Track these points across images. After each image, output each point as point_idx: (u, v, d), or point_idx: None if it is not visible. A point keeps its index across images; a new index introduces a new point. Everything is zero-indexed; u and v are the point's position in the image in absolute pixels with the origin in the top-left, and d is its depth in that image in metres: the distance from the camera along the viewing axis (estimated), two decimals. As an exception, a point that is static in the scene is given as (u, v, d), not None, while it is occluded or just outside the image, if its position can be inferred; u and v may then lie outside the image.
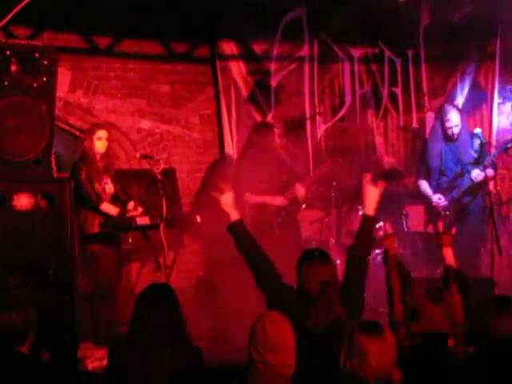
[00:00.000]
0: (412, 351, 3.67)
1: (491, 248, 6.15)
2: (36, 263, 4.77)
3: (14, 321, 3.37)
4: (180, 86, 7.56)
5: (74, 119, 7.17)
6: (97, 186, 6.07)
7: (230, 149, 7.57)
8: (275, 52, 7.70)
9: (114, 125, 7.21)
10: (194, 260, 7.47)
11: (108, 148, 6.29)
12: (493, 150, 7.17)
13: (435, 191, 6.93)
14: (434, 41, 8.08)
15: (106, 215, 6.03)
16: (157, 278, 6.27)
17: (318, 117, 7.87)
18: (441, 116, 7.00)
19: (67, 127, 7.16)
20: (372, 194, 4.16)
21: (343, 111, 8.02)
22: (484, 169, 6.61)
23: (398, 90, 8.16)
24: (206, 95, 7.64)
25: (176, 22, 7.27)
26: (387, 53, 8.07)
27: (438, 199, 6.86)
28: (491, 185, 6.95)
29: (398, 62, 8.13)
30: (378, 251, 6.30)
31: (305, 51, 7.84)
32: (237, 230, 4.07)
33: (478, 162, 6.73)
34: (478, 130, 6.89)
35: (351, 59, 7.98)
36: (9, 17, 5.63)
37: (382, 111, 8.11)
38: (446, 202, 6.83)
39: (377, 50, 8.05)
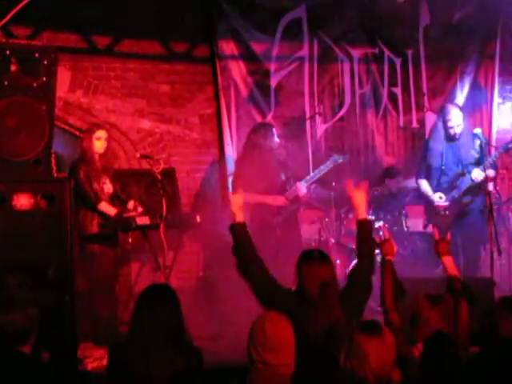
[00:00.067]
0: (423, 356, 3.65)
1: (491, 248, 6.13)
2: (36, 263, 4.76)
3: (16, 321, 3.37)
4: (180, 86, 7.56)
5: (74, 119, 7.17)
6: (95, 185, 6.07)
7: (230, 149, 7.57)
8: (275, 52, 7.70)
9: (113, 125, 7.22)
10: (194, 260, 7.47)
11: (107, 148, 6.30)
12: (493, 151, 7.16)
13: (435, 191, 6.92)
14: (433, 41, 8.08)
15: (104, 215, 6.03)
16: (156, 278, 6.28)
17: (317, 117, 7.87)
18: (443, 115, 6.95)
19: (67, 127, 7.16)
20: (358, 198, 4.21)
21: (343, 111, 8.02)
22: (484, 169, 6.60)
23: (398, 90, 8.16)
24: (205, 95, 7.65)
25: (176, 21, 7.28)
26: (387, 53, 8.07)
27: (439, 198, 6.85)
28: (491, 185, 6.95)
29: (398, 62, 8.13)
30: (377, 251, 6.30)
31: (304, 51, 7.84)
32: (239, 231, 4.06)
33: (478, 163, 6.71)
34: (477, 130, 6.87)
35: (351, 59, 7.97)
36: (9, 17, 5.63)
37: (381, 111, 8.11)
38: (448, 203, 6.82)
39: (376, 50, 8.04)
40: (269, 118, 7.67)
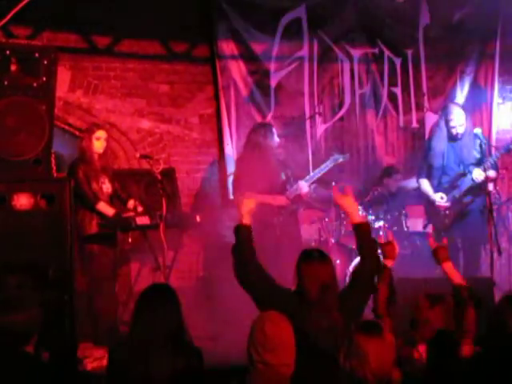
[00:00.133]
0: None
1: (491, 248, 6.13)
2: (36, 263, 4.76)
3: (20, 321, 3.37)
4: (180, 86, 7.56)
5: (74, 119, 7.18)
6: (94, 185, 6.07)
7: (230, 149, 7.57)
8: (275, 52, 7.70)
9: (113, 125, 7.22)
10: (194, 260, 7.47)
11: (106, 148, 6.30)
12: (494, 151, 7.15)
13: (436, 190, 6.91)
14: (433, 40, 8.08)
15: (102, 215, 6.03)
16: (156, 278, 6.29)
17: (317, 117, 7.87)
18: (445, 115, 6.91)
19: (67, 127, 7.17)
20: (347, 203, 4.18)
21: (343, 111, 8.01)
22: (485, 169, 6.59)
23: (398, 90, 8.15)
24: (205, 95, 7.65)
25: (176, 21, 7.28)
26: (387, 52, 8.07)
27: (441, 198, 6.84)
28: (491, 185, 6.94)
29: (398, 62, 8.12)
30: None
31: (304, 51, 7.84)
32: (243, 233, 4.06)
33: (480, 163, 6.70)
34: (477, 130, 6.87)
35: (351, 59, 7.97)
36: (9, 16, 5.63)
37: (381, 111, 8.11)
38: (449, 203, 6.80)
39: (376, 50, 8.04)
40: (269, 117, 7.68)
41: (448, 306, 4.00)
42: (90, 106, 7.21)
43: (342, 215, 7.26)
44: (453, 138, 6.85)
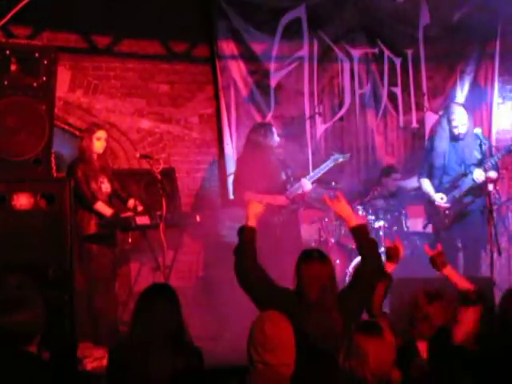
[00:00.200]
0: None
1: (491, 248, 6.13)
2: (36, 263, 4.76)
3: (24, 321, 3.36)
4: (179, 86, 7.56)
5: (74, 119, 7.18)
6: (93, 185, 6.07)
7: (230, 148, 7.57)
8: (275, 52, 7.70)
9: (113, 124, 7.22)
10: (194, 260, 7.47)
11: (106, 148, 6.30)
12: (494, 151, 7.14)
13: (437, 190, 6.90)
14: (433, 40, 8.07)
15: (100, 215, 6.03)
16: (156, 278, 6.28)
17: (317, 117, 7.87)
18: (447, 115, 6.89)
19: (67, 127, 7.17)
20: (340, 208, 4.20)
21: (343, 111, 8.01)
22: (486, 170, 6.58)
23: (398, 90, 8.15)
24: (205, 95, 7.65)
25: (176, 21, 7.28)
26: (387, 52, 8.06)
27: (441, 199, 6.83)
28: (491, 185, 6.93)
29: (398, 62, 8.12)
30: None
31: (304, 51, 7.83)
32: (247, 235, 4.07)
33: (481, 163, 6.69)
34: (477, 130, 6.86)
35: (351, 59, 7.97)
36: (8, 17, 5.64)
37: (381, 111, 8.10)
38: (449, 204, 6.80)
39: (376, 50, 8.04)
40: (268, 117, 7.68)
41: (447, 302, 4.00)
42: (90, 105, 7.21)
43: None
44: (455, 138, 6.84)
